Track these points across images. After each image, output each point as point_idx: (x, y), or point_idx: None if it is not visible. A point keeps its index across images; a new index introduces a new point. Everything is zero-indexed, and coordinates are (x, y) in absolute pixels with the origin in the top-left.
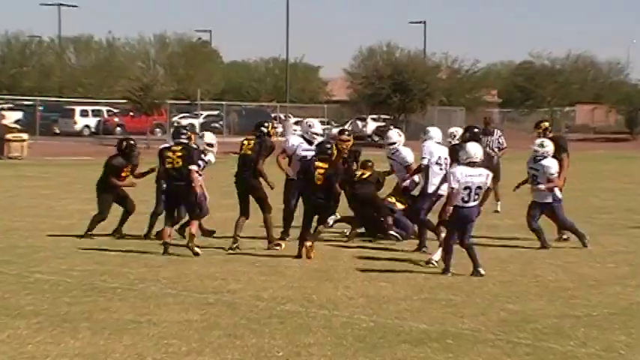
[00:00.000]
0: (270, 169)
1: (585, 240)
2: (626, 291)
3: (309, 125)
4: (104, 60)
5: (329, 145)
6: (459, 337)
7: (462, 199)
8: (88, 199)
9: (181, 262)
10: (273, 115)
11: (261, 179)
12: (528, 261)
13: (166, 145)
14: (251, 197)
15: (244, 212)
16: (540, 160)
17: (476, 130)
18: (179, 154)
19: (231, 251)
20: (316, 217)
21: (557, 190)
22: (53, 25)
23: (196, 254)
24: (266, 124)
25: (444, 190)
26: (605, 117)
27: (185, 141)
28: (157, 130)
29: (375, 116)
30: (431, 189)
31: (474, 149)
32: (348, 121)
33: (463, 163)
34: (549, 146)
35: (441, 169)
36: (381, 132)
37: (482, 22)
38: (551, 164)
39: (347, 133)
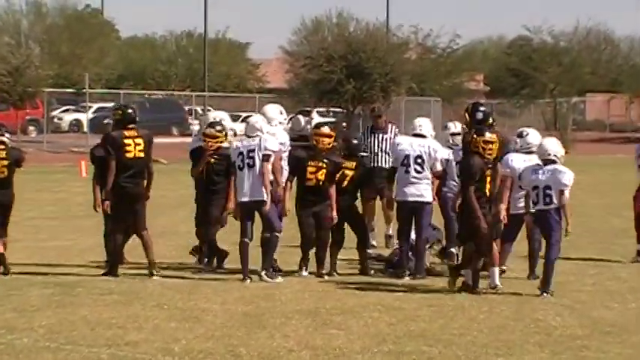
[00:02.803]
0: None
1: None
2: None
3: (280, 112)
4: None
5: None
6: None
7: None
8: None
9: (65, 305)
10: (187, 107)
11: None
12: (525, 300)
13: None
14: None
15: (121, 229)
16: None
17: (482, 108)
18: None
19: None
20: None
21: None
22: None
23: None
24: (132, 112)
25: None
26: (625, 110)
27: (6, 139)
28: (31, 128)
29: (322, 109)
30: None
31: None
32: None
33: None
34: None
35: None
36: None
37: None
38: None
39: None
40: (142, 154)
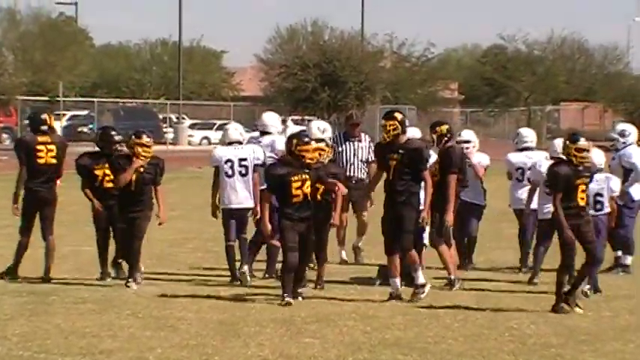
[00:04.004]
0: None
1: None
2: (628, 348)
3: (278, 120)
4: None
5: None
6: None
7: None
8: None
9: (38, 313)
10: (162, 115)
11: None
12: (500, 308)
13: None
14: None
15: (29, 233)
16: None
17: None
18: None
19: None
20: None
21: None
22: None
23: None
24: (43, 118)
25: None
26: (599, 119)
27: None
28: (5, 135)
29: (297, 117)
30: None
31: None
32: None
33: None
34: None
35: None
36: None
37: None
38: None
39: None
40: (53, 161)
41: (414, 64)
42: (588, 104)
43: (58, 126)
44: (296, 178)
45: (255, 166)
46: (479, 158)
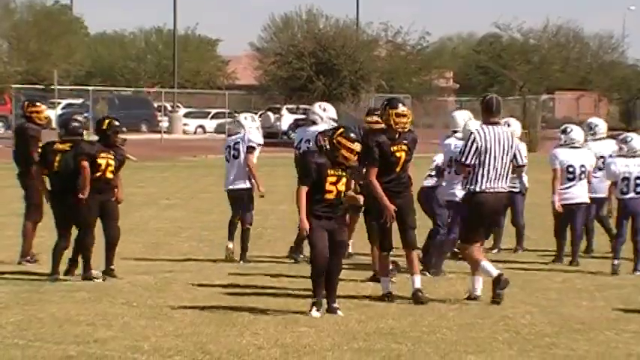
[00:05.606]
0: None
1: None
2: (622, 338)
3: (324, 109)
4: None
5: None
6: None
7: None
8: None
9: (33, 302)
10: (156, 104)
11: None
12: None
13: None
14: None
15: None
16: None
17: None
18: None
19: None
20: None
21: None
22: None
23: None
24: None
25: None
26: (594, 108)
27: None
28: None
29: (292, 106)
30: None
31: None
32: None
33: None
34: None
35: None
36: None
37: None
38: None
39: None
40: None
41: (409, 52)
42: (583, 93)
43: (53, 115)
44: (332, 172)
45: (250, 147)
46: None
